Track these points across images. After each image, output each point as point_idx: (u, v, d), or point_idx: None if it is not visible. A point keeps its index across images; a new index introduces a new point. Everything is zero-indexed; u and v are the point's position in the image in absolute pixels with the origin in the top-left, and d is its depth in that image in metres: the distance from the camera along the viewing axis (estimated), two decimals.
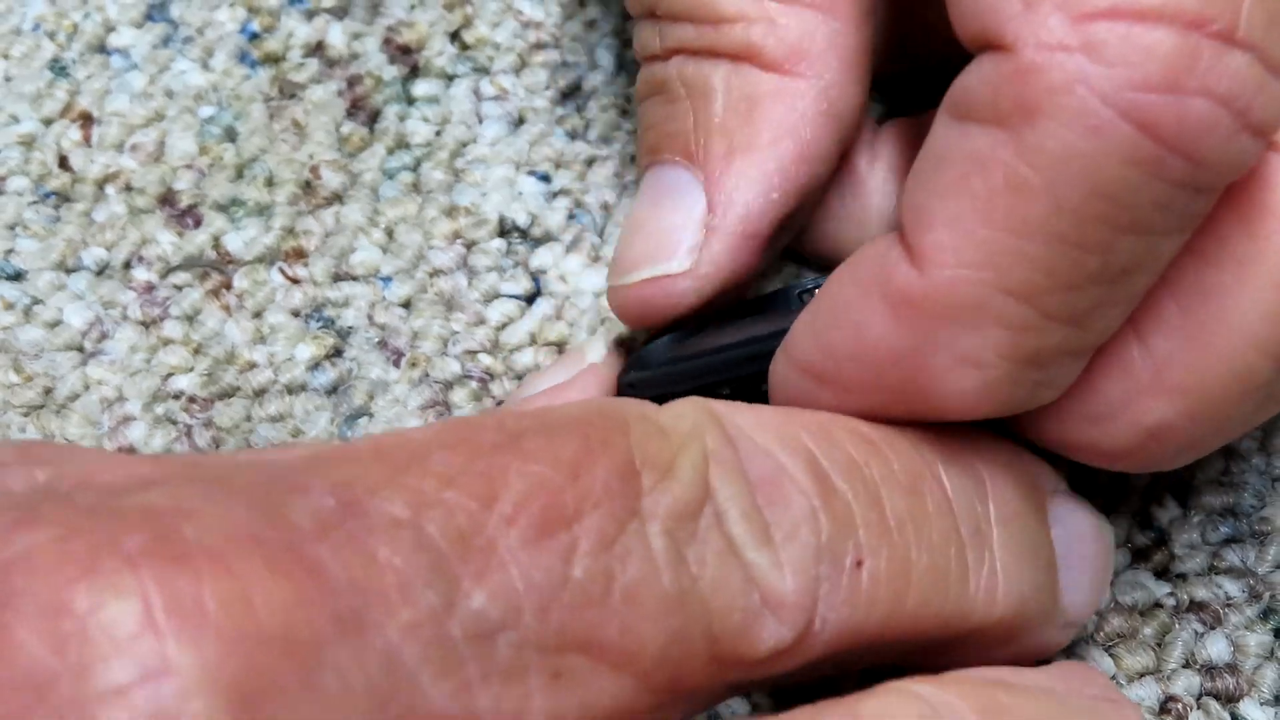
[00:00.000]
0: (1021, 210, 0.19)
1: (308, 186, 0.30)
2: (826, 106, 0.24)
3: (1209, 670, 0.25)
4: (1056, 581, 0.22)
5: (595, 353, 0.26)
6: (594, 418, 0.19)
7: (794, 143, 0.24)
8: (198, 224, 0.30)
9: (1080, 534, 0.23)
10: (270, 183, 0.30)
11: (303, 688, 0.14)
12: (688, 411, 0.20)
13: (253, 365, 0.28)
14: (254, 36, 0.31)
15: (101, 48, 0.31)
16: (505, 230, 0.29)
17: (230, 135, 0.30)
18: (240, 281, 0.29)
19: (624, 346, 0.26)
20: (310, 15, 0.32)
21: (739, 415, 0.20)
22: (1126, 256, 0.19)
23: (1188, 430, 0.21)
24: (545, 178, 0.30)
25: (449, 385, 0.28)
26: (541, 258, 0.29)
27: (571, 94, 0.31)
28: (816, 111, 0.24)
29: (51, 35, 0.32)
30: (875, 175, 0.26)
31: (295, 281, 0.29)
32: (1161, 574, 0.26)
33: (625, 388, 0.25)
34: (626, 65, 0.31)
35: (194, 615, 0.14)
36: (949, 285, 0.19)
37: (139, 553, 0.14)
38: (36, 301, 0.29)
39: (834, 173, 0.25)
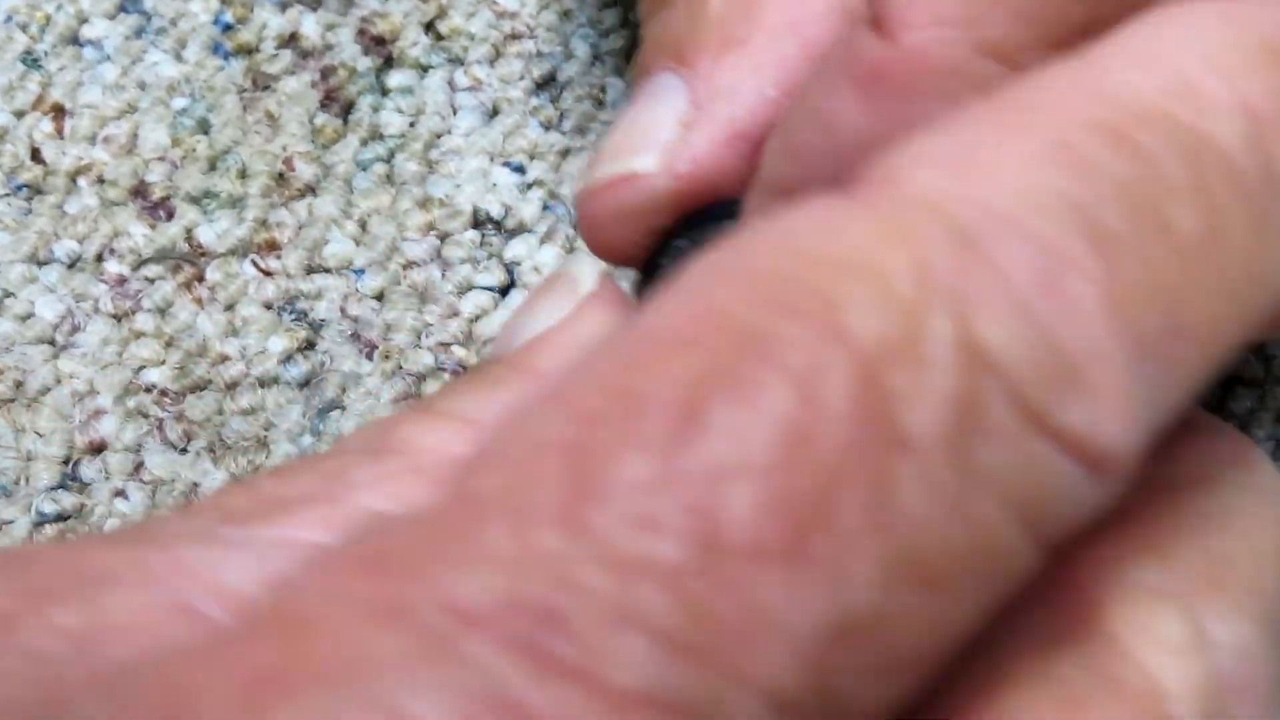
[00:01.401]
0: None
1: (281, 178, 0.30)
2: (838, 1, 0.21)
3: None
4: None
5: (588, 275, 0.21)
6: (771, 296, 0.12)
7: (797, 39, 0.21)
8: (170, 216, 0.29)
9: None
10: (243, 174, 0.30)
11: None
12: (893, 214, 0.13)
13: (225, 358, 0.28)
14: (227, 28, 0.31)
15: (74, 39, 0.31)
16: (479, 222, 0.29)
17: (203, 127, 0.30)
18: (213, 274, 0.29)
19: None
20: (284, 6, 0.31)
21: (955, 181, 0.13)
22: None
23: None
24: (520, 169, 0.30)
25: (422, 377, 0.28)
26: (515, 249, 0.29)
27: (546, 85, 0.31)
28: (826, 6, 0.21)
29: (24, 27, 0.31)
30: None
31: (268, 274, 0.29)
32: None
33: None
34: (602, 56, 0.31)
35: None
36: (922, 50, 0.17)
37: None
38: (8, 294, 0.29)
39: None
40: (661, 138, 0.21)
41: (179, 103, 0.30)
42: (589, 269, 0.21)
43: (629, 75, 0.24)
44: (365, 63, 0.31)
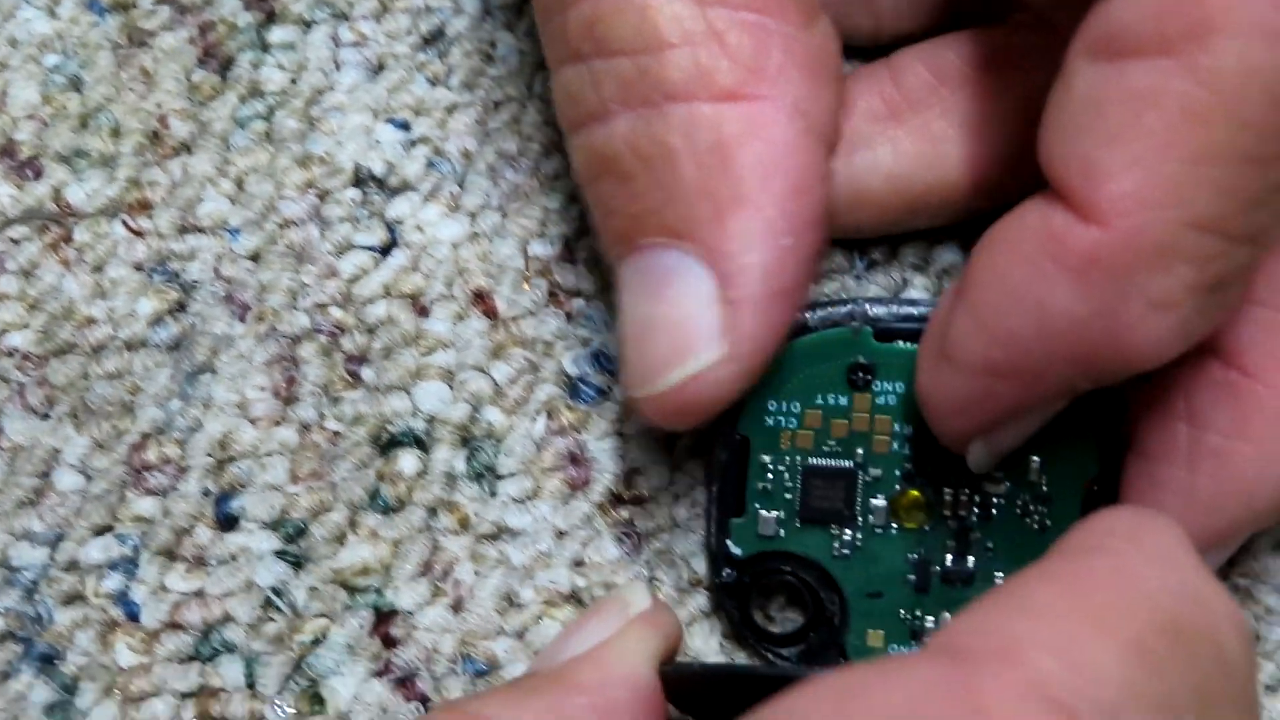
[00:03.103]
0: (1203, 137, 0.18)
1: (155, 136, 0.28)
2: (804, 124, 0.21)
3: None
4: None
5: (640, 599, 0.23)
6: None
7: (783, 177, 0.21)
8: (38, 175, 0.28)
9: None
10: (116, 133, 0.29)
11: None
12: (1015, 698, 0.15)
13: (91, 321, 0.27)
14: None
15: None
16: (360, 179, 0.28)
17: (75, 84, 0.29)
18: (81, 234, 0.28)
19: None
20: None
21: (1066, 671, 0.15)
22: None
23: None
24: (404, 125, 0.29)
25: (297, 340, 0.27)
26: (398, 207, 0.28)
27: (434, 40, 0.30)
28: (795, 134, 0.21)
29: None
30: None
31: (139, 234, 0.28)
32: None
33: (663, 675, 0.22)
34: (492, 10, 0.30)
35: None
36: (1137, 232, 0.19)
37: None
38: None
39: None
40: (709, 327, 0.21)
41: (51, 60, 0.29)
42: (641, 595, 0.23)
43: (580, 183, 0.23)
44: (246, 18, 0.30)
